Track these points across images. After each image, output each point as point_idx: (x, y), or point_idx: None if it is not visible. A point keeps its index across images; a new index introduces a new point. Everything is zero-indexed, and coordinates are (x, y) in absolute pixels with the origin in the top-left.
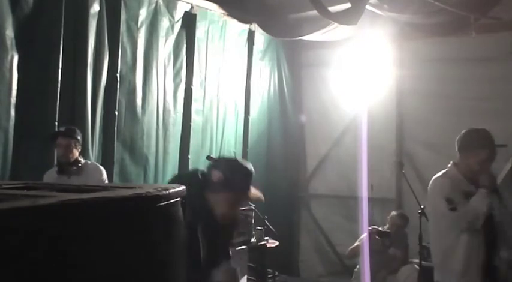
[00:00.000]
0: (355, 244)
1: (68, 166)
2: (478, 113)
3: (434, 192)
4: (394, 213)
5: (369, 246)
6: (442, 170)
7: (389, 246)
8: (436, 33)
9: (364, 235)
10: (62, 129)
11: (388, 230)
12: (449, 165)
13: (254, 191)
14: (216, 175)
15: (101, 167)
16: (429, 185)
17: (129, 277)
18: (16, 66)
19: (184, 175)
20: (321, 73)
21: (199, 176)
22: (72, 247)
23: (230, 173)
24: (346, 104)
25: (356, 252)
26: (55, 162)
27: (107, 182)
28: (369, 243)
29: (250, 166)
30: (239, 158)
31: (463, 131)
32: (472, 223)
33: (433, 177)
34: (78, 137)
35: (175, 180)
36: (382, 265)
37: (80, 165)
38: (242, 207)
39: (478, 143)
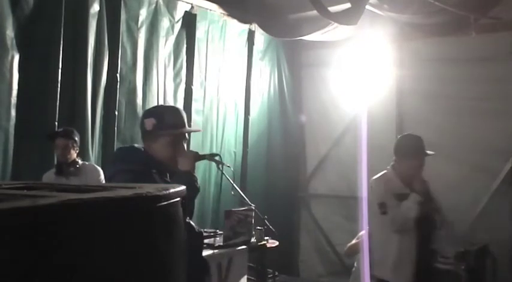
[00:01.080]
0: (353, 242)
1: (66, 167)
2: (478, 113)
3: (370, 195)
4: None
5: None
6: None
7: None
8: (436, 33)
9: (362, 233)
10: (60, 130)
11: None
12: (388, 166)
13: (192, 126)
14: (149, 123)
15: (99, 168)
16: (368, 186)
17: (129, 277)
18: (16, 66)
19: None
20: (321, 73)
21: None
22: (72, 247)
23: (158, 114)
24: (346, 104)
25: (354, 250)
26: (55, 162)
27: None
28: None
29: (176, 106)
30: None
31: (399, 136)
32: (401, 226)
33: (371, 179)
34: (76, 138)
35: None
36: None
37: (78, 166)
38: (184, 146)
39: (408, 150)
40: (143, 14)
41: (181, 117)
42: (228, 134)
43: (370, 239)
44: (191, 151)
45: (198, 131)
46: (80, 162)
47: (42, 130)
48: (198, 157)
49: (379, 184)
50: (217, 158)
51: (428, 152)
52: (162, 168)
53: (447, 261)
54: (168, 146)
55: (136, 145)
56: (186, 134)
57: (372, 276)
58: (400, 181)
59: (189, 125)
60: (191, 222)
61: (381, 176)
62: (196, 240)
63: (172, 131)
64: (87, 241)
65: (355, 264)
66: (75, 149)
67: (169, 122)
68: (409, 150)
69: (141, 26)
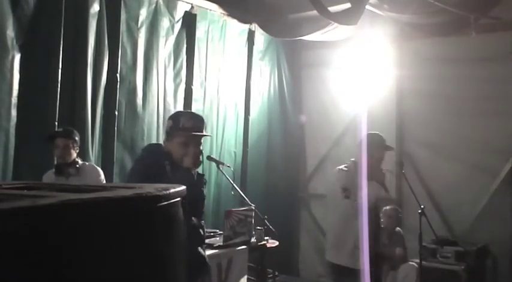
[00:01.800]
0: None
1: (66, 167)
2: (478, 113)
3: (332, 182)
4: (386, 207)
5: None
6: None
7: (387, 242)
8: (436, 33)
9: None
10: (60, 130)
11: (382, 226)
12: (349, 162)
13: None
14: (168, 124)
15: (99, 168)
16: (331, 176)
17: (129, 277)
18: (17, 66)
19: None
20: (321, 73)
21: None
22: (72, 247)
23: (176, 117)
24: (346, 104)
25: None
26: (55, 162)
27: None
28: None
29: (193, 112)
30: None
31: (365, 134)
32: (360, 209)
33: (335, 169)
34: (76, 138)
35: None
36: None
37: (77, 166)
38: (196, 148)
39: (373, 146)
40: (143, 14)
41: (195, 122)
42: (228, 134)
43: (329, 227)
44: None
45: (207, 135)
46: (80, 162)
47: (43, 130)
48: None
49: (341, 173)
50: (221, 167)
51: (389, 146)
52: (175, 163)
53: (447, 261)
54: (179, 146)
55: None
56: (198, 137)
57: (326, 263)
58: (360, 174)
59: (205, 130)
60: (193, 219)
61: (343, 166)
62: (196, 234)
63: (183, 133)
64: (87, 241)
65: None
66: (75, 149)
67: (183, 125)
68: (372, 143)
69: (141, 26)
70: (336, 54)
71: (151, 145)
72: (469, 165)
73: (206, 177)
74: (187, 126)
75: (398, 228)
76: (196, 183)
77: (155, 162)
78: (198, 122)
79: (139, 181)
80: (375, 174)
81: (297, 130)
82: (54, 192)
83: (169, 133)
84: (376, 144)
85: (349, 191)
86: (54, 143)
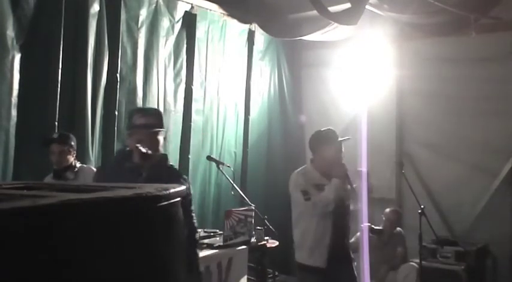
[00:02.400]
0: (351, 240)
1: (63, 172)
2: (478, 113)
3: (292, 186)
4: (387, 209)
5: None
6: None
7: (387, 242)
8: (436, 33)
9: (359, 233)
10: (55, 135)
11: (381, 227)
12: (308, 162)
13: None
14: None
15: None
16: (289, 180)
17: (129, 277)
18: (17, 66)
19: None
20: (321, 73)
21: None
22: (72, 247)
23: (130, 114)
24: (346, 104)
25: (352, 249)
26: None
27: None
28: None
29: (151, 107)
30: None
31: (312, 134)
32: (323, 208)
33: (292, 173)
34: (72, 143)
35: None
36: (383, 261)
37: (75, 170)
38: (143, 144)
39: (323, 141)
40: (143, 14)
41: (144, 118)
42: (228, 134)
43: (293, 227)
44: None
45: (158, 130)
46: (78, 165)
47: (43, 130)
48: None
49: (299, 176)
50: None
51: (341, 138)
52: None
53: (447, 261)
54: (132, 142)
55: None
56: (144, 134)
57: (297, 265)
58: (319, 174)
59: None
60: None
61: (301, 169)
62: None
63: (131, 130)
64: (87, 241)
65: (355, 263)
66: (72, 153)
67: (134, 122)
68: (322, 139)
69: (141, 26)
70: (336, 54)
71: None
72: (469, 165)
73: (206, 177)
74: (138, 123)
75: (399, 228)
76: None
77: (115, 166)
78: (150, 119)
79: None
80: (335, 170)
81: (297, 130)
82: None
83: (127, 130)
84: (324, 140)
85: (308, 193)
86: (50, 149)
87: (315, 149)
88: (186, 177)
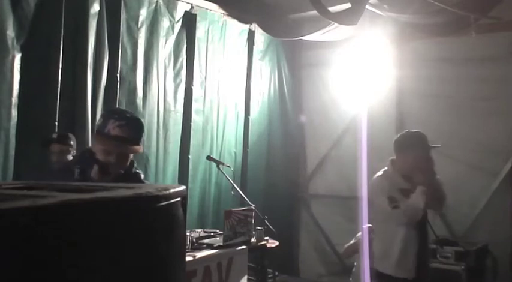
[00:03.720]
0: (351, 242)
1: None
2: (478, 113)
3: (375, 192)
4: None
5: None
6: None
7: None
8: (436, 33)
9: (360, 233)
10: (55, 136)
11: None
12: (387, 163)
13: (129, 144)
14: (98, 121)
15: None
16: (370, 186)
17: (129, 277)
18: (17, 66)
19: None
20: (321, 73)
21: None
22: (72, 247)
23: (106, 117)
24: (346, 104)
25: (353, 250)
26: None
27: None
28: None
29: (131, 114)
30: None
31: (400, 133)
32: (412, 218)
33: (373, 177)
34: (72, 142)
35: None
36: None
37: None
38: (113, 158)
39: (411, 144)
40: (143, 14)
41: (125, 130)
42: (228, 134)
43: (376, 236)
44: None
45: (136, 152)
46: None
47: (43, 130)
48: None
49: (383, 180)
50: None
51: (432, 145)
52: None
53: (447, 261)
54: (104, 152)
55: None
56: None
57: (374, 272)
58: (401, 177)
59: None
60: None
61: (382, 173)
62: None
63: (105, 139)
64: (87, 241)
65: (355, 264)
66: (72, 153)
67: (108, 131)
68: (411, 140)
69: (141, 26)
70: (336, 54)
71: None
72: (469, 165)
73: (206, 177)
74: (112, 133)
75: None
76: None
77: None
78: (131, 133)
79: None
80: (420, 177)
81: (297, 130)
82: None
83: (96, 132)
84: (413, 142)
85: (396, 200)
86: (50, 148)
87: (401, 150)
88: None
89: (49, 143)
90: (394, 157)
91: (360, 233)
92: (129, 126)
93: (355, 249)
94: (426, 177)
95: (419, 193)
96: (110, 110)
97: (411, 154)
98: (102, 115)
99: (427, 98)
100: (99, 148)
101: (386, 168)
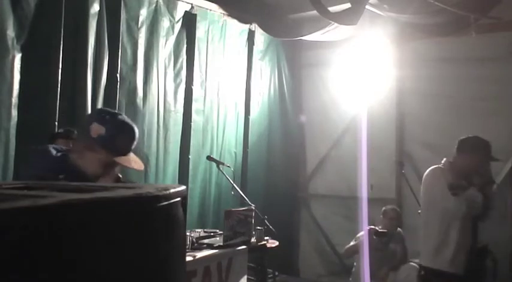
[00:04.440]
0: (352, 243)
1: None
2: (478, 113)
3: (434, 180)
4: (388, 207)
5: (368, 245)
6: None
7: (387, 243)
8: (436, 33)
9: (361, 234)
10: (61, 131)
11: (386, 230)
12: (442, 162)
13: (134, 158)
14: (96, 130)
15: None
16: (426, 175)
17: (129, 277)
18: (17, 66)
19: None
20: (321, 73)
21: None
22: (72, 247)
23: (113, 128)
24: (346, 104)
25: (353, 251)
26: None
27: None
28: (368, 242)
29: (135, 128)
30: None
31: (469, 135)
32: (470, 208)
33: (430, 168)
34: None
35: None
36: (383, 262)
37: None
38: (113, 171)
39: (479, 148)
40: (143, 14)
41: (132, 143)
42: (228, 134)
43: (428, 230)
44: (116, 176)
45: (139, 169)
46: None
47: (43, 130)
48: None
49: (443, 171)
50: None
51: (496, 157)
52: (77, 175)
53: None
54: (100, 165)
55: (51, 147)
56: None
57: (424, 268)
58: (459, 175)
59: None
60: None
61: (436, 168)
62: None
63: (116, 155)
64: (87, 241)
65: (355, 264)
66: None
67: (118, 143)
68: (479, 146)
69: (141, 26)
70: (336, 54)
71: (37, 155)
72: None
73: (207, 177)
74: (122, 146)
75: (399, 229)
76: None
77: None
78: (133, 143)
79: None
80: (476, 179)
81: (297, 130)
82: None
83: (93, 142)
84: (480, 149)
85: (457, 188)
86: (55, 144)
87: (467, 151)
88: None
89: (54, 138)
90: (451, 159)
91: (360, 234)
92: (134, 136)
93: (354, 250)
94: (484, 181)
95: (477, 189)
96: (113, 120)
97: (476, 157)
98: (102, 122)
99: (427, 98)
100: (99, 159)
101: (442, 164)
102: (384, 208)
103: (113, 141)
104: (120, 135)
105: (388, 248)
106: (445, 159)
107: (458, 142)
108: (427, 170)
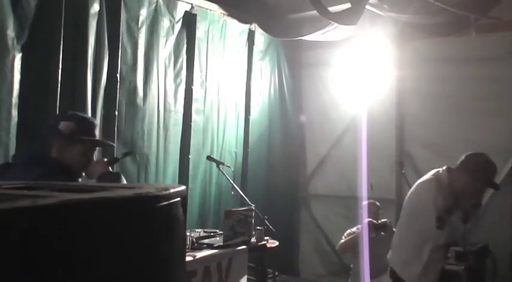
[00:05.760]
0: (347, 238)
1: None
2: (478, 113)
3: (425, 200)
4: (369, 202)
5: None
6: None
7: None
8: (436, 33)
9: (353, 230)
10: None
11: (385, 219)
12: (442, 169)
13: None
14: (67, 126)
15: None
16: (419, 187)
17: (129, 278)
18: (17, 66)
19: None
20: (321, 73)
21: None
22: (72, 247)
23: (79, 119)
24: (346, 104)
25: (349, 246)
26: None
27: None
28: (368, 236)
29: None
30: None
31: (476, 153)
32: (449, 239)
33: (426, 180)
34: None
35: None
36: (377, 257)
37: None
38: (92, 157)
39: (482, 173)
40: (143, 14)
41: (96, 127)
42: (228, 134)
43: (403, 241)
44: (101, 159)
45: (111, 145)
46: None
47: (43, 130)
48: (110, 162)
49: (436, 194)
50: (130, 155)
51: (496, 184)
52: (69, 174)
53: (447, 262)
54: (83, 154)
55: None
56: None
57: (395, 276)
58: (450, 193)
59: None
60: None
61: (432, 182)
62: None
63: (91, 138)
64: (87, 241)
65: (352, 266)
66: None
67: (88, 129)
68: (484, 173)
69: (141, 26)
70: (336, 54)
71: (33, 156)
72: None
73: (207, 177)
74: (92, 130)
75: (390, 221)
76: None
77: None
78: (96, 126)
79: None
80: (465, 201)
81: (297, 130)
82: (54, 192)
83: (69, 138)
84: (491, 178)
85: (443, 222)
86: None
87: (469, 172)
88: None
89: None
90: (451, 171)
91: (355, 228)
92: (95, 121)
93: (350, 245)
94: (472, 205)
95: (461, 215)
96: (72, 115)
97: (476, 184)
98: (72, 119)
99: (427, 98)
100: (80, 151)
101: (438, 175)
102: (364, 202)
103: (85, 129)
104: (87, 124)
105: (379, 242)
106: (445, 167)
107: (464, 157)
108: (423, 179)
